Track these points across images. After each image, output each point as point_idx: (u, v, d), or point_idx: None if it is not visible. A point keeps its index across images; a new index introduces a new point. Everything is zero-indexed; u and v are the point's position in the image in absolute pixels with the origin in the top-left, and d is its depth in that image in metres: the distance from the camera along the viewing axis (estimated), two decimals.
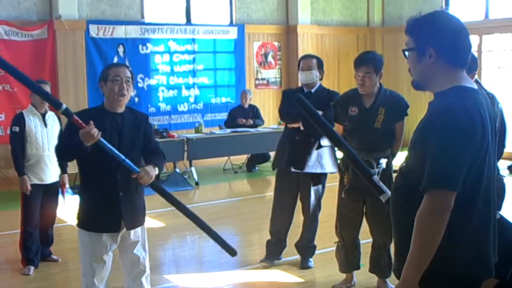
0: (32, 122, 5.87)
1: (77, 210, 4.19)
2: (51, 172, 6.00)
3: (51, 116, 6.01)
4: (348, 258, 5.33)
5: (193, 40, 12.31)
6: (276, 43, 13.50)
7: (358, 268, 5.41)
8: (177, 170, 10.63)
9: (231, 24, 12.93)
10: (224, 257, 6.41)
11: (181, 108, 12.35)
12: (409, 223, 2.50)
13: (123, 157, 3.95)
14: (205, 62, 12.55)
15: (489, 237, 2.61)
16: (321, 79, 5.83)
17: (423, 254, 2.46)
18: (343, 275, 5.46)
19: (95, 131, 3.79)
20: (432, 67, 2.60)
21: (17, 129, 5.81)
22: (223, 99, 12.84)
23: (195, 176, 10.59)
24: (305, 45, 13.46)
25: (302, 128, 5.59)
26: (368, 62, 4.96)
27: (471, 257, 2.55)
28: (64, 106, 3.89)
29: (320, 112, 5.47)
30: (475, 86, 2.62)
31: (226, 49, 12.78)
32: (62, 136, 4.22)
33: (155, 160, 4.17)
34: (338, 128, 5.29)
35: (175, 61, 12.17)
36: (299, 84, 5.99)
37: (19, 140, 5.82)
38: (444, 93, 2.57)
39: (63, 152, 4.17)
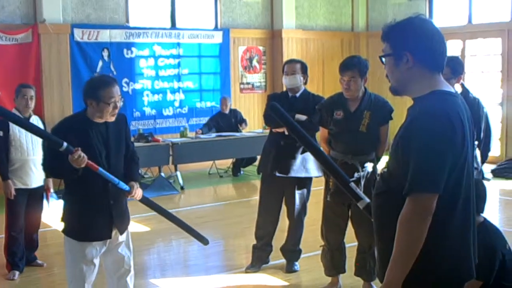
0: (16, 126, 5.82)
1: (63, 217, 4.15)
2: (35, 176, 5.97)
3: (35, 120, 5.97)
4: (333, 261, 5.35)
5: (178, 44, 12.30)
6: (261, 48, 13.53)
7: (344, 271, 5.43)
8: (162, 174, 10.59)
9: (216, 28, 12.94)
10: (210, 261, 6.46)
11: (166, 112, 12.33)
12: (391, 227, 2.53)
13: (117, 180, 3.98)
14: (190, 67, 12.55)
15: (469, 238, 2.65)
16: (305, 83, 5.84)
17: (406, 257, 2.49)
18: (329, 279, 5.48)
19: (81, 156, 3.76)
20: (410, 72, 2.63)
21: (1, 133, 5.75)
22: (208, 104, 12.84)
23: (180, 181, 10.58)
24: (290, 50, 13.49)
25: (287, 132, 5.60)
26: (353, 66, 4.99)
27: (452, 259, 2.58)
28: (65, 144, 3.76)
29: (305, 117, 5.54)
30: (453, 90, 2.66)
31: (211, 53, 12.78)
32: (48, 154, 4.10)
33: (135, 174, 4.25)
34: (323, 132, 5.32)
35: (160, 65, 12.15)
36: (284, 89, 6.00)
37: (3, 144, 5.77)
38: (423, 98, 2.60)
39: (55, 174, 4.28)
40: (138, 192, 4.15)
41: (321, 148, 3.65)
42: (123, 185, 4.04)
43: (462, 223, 2.60)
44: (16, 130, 5.81)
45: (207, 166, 11.95)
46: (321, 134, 5.38)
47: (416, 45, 2.61)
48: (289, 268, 5.96)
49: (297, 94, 5.80)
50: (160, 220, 8.07)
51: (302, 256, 6.04)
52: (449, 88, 2.66)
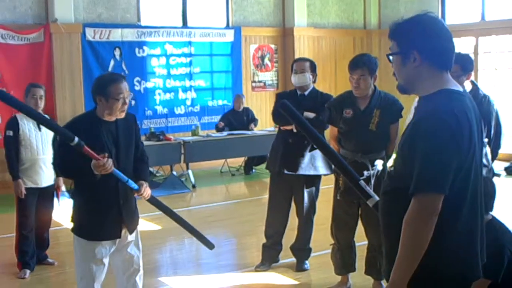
0: (26, 126, 5.85)
1: (72, 217, 4.15)
2: (46, 175, 5.99)
3: None
4: (343, 260, 5.33)
5: (190, 43, 12.31)
6: (272, 46, 13.51)
7: (354, 270, 5.40)
8: (174, 173, 10.63)
9: (227, 26, 12.93)
10: (221, 260, 6.47)
11: (178, 111, 12.35)
12: (397, 226, 2.51)
13: (126, 178, 3.97)
14: (202, 65, 12.56)
15: (476, 239, 2.62)
16: (314, 81, 5.83)
17: (411, 257, 2.47)
18: (339, 278, 5.46)
19: (109, 164, 3.80)
20: (417, 70, 2.61)
21: (11, 133, 5.80)
22: (220, 102, 12.85)
23: (192, 179, 10.58)
24: (302, 48, 13.47)
25: (295, 130, 5.59)
26: (362, 64, 4.96)
27: (459, 259, 2.56)
28: (76, 139, 3.74)
29: (313, 115, 5.53)
30: (461, 89, 2.64)
31: (223, 51, 12.78)
32: (60, 151, 4.05)
33: (144, 173, 4.24)
34: (333, 130, 5.30)
35: (172, 64, 12.17)
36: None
37: (13, 144, 5.81)
38: (430, 97, 2.58)
39: (70, 175, 4.23)
40: (147, 191, 4.14)
41: (331, 146, 3.62)
42: (132, 183, 4.03)
43: (468, 224, 2.57)
44: (26, 130, 5.85)
45: (219, 164, 11.96)
46: (330, 133, 5.36)
47: (423, 44, 2.58)
48: (299, 267, 5.95)
49: (306, 93, 5.79)
50: (169, 219, 8.11)
51: (312, 254, 6.02)
52: (457, 86, 2.63)
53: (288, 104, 3.37)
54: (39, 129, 5.92)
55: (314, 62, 5.90)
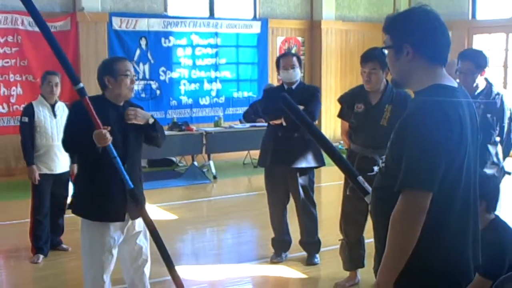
0: (42, 112, 5.94)
1: (76, 200, 4.18)
2: (60, 162, 6.07)
3: (60, 106, 6.07)
4: (352, 256, 5.30)
5: (216, 34, 12.32)
6: (299, 38, 13.45)
7: (362, 266, 5.36)
8: (195, 163, 10.66)
9: (254, 18, 12.91)
10: (241, 250, 6.45)
11: (202, 101, 12.39)
12: (387, 224, 2.47)
13: (115, 153, 3.90)
14: (228, 56, 12.56)
15: (467, 240, 2.55)
16: None
17: (397, 256, 2.43)
18: (348, 273, 5.42)
19: (108, 135, 3.81)
20: (410, 64, 2.57)
21: (26, 119, 5.89)
22: (245, 93, 12.84)
23: (213, 170, 10.60)
24: (329, 41, 13.41)
25: (284, 124, 5.63)
26: (374, 58, 4.91)
27: (448, 261, 2.49)
28: (81, 84, 3.81)
29: (301, 107, 5.53)
30: (455, 84, 2.59)
31: (249, 43, 12.77)
32: (67, 129, 4.10)
33: None
34: (344, 125, 5.27)
35: (198, 55, 12.20)
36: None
37: (28, 130, 5.90)
38: (422, 92, 2.54)
39: (73, 148, 4.23)
40: (134, 114, 4.02)
41: (326, 137, 3.57)
42: (119, 162, 3.92)
43: (459, 224, 2.51)
44: (41, 116, 5.93)
45: (242, 156, 11.96)
46: (342, 127, 5.34)
47: (416, 37, 2.54)
48: (309, 261, 5.94)
49: (293, 86, 5.83)
50: (188, 209, 8.15)
51: (322, 249, 6.01)
52: (452, 82, 2.58)
53: (288, 97, 3.37)
54: (55, 116, 6.00)
55: (299, 56, 5.99)
